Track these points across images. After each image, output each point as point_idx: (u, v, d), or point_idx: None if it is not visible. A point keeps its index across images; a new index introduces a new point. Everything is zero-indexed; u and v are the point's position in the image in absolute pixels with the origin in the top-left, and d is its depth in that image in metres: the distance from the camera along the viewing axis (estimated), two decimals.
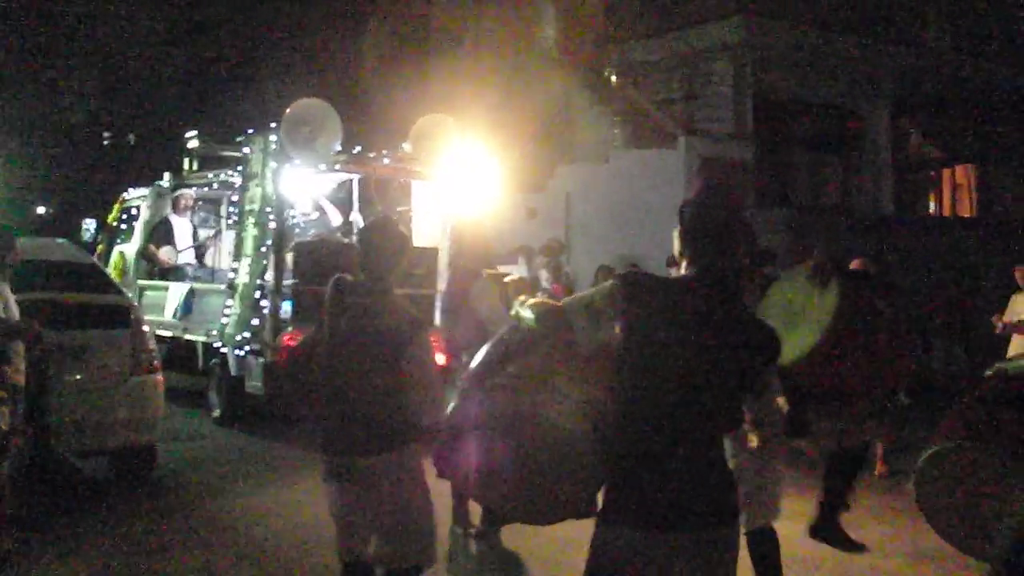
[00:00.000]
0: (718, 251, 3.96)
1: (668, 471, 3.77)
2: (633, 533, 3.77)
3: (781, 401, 4.54)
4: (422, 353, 5.34)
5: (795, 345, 5.97)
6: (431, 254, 13.81)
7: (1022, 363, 9.44)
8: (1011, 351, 11.38)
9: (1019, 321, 11.26)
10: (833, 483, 7.86)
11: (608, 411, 3.84)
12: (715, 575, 3.85)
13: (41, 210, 36.04)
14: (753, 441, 5.61)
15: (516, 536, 7.88)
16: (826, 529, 7.82)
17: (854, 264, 11.25)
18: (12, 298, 7.84)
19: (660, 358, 3.81)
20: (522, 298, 4.22)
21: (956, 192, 26.29)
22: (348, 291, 5.46)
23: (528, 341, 4.06)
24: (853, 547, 7.84)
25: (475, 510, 8.19)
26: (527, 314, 4.04)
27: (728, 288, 3.99)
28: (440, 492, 5.22)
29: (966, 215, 25.57)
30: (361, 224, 14.48)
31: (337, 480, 5.47)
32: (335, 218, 15.09)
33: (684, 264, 4.06)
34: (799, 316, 6.24)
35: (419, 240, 14.45)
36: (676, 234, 4.16)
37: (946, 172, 26.32)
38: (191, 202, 16.56)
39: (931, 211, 26.07)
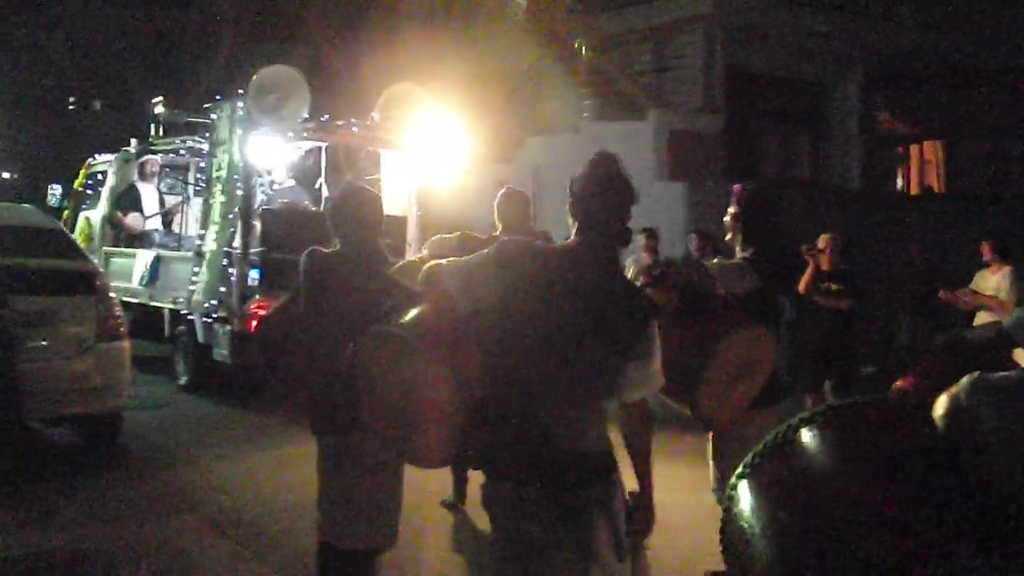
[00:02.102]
0: (603, 221, 4.09)
1: (545, 432, 3.91)
2: (515, 488, 3.96)
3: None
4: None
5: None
6: (400, 223, 13.79)
7: (972, 330, 9.47)
8: (976, 324, 11.40)
9: (978, 294, 11.27)
10: None
11: (477, 373, 3.95)
12: (595, 526, 3.95)
13: (6, 175, 35.73)
14: None
15: None
16: None
17: (821, 240, 11.30)
18: None
19: (536, 324, 3.92)
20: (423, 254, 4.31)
21: (924, 168, 26.42)
22: (325, 265, 5.32)
23: (412, 298, 4.24)
24: None
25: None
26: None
27: (608, 256, 4.14)
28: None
29: (934, 190, 25.70)
30: (328, 192, 14.46)
31: (330, 456, 5.34)
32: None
33: (572, 233, 4.15)
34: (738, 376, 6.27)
35: (388, 209, 14.39)
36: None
37: (914, 148, 26.44)
38: (157, 168, 16.46)
39: (899, 187, 26.19)
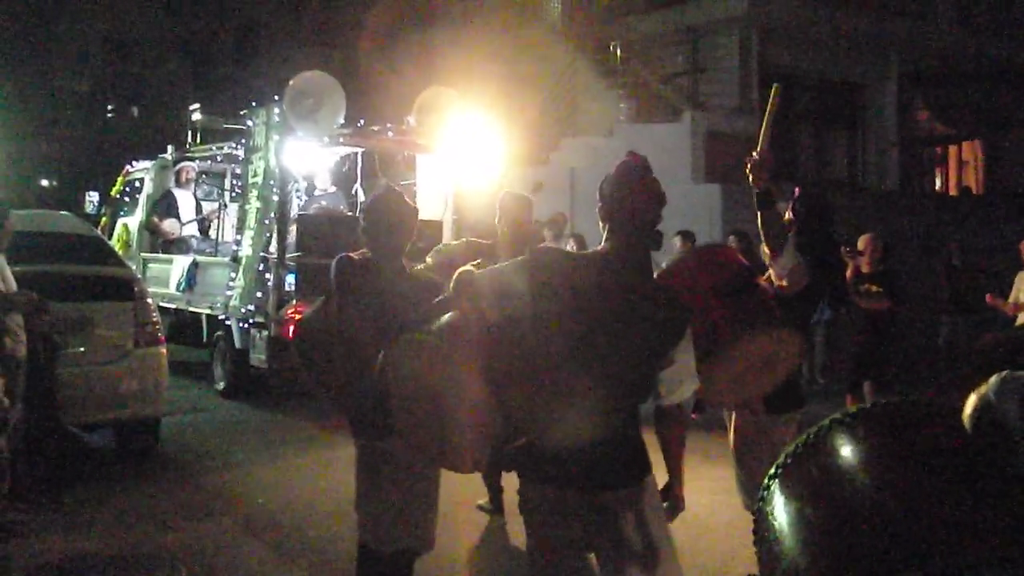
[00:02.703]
0: (634, 226, 4.08)
1: (579, 437, 3.89)
2: (547, 490, 4.00)
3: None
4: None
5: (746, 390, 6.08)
6: (435, 227, 13.79)
7: (1010, 331, 9.40)
8: (1020, 323, 11.29)
9: (1020, 305, 11.18)
10: None
11: (507, 378, 3.91)
12: (629, 527, 3.97)
13: (44, 183, 36.02)
14: None
15: None
16: None
17: (861, 242, 11.23)
18: (8, 271, 7.81)
19: (570, 330, 3.89)
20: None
21: (962, 167, 26.23)
22: (356, 271, 5.30)
23: (444, 304, 4.20)
24: None
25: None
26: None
27: (641, 262, 4.13)
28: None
29: (972, 191, 25.51)
30: (363, 197, 14.49)
31: (370, 464, 5.35)
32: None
33: (603, 238, 4.13)
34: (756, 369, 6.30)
35: (423, 213, 14.41)
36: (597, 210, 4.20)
37: (952, 148, 26.25)
38: (193, 174, 16.55)
39: (937, 187, 26.01)
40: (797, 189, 6.11)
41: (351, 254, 5.40)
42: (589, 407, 3.91)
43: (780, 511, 2.96)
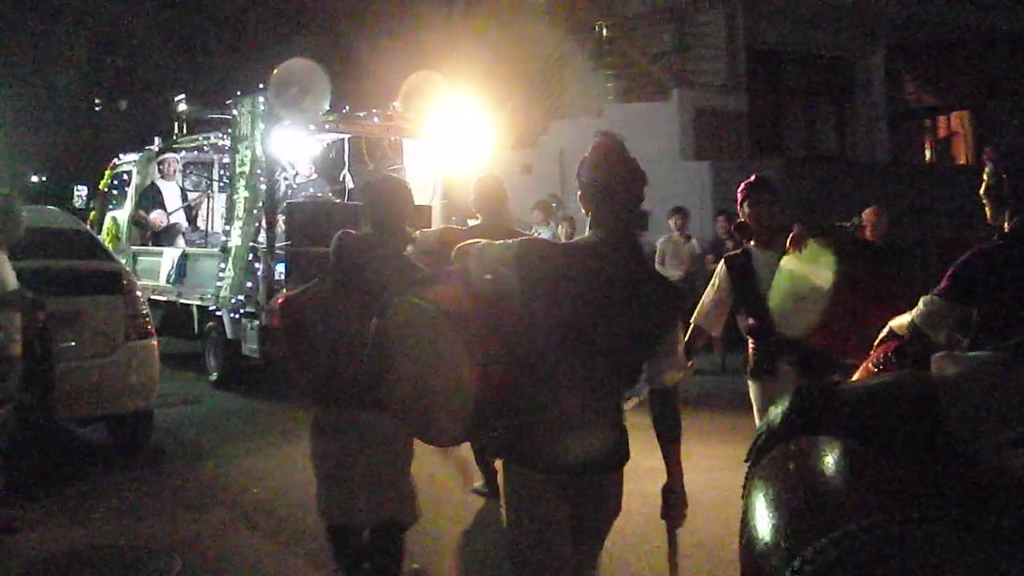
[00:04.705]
0: (617, 209, 4.01)
1: (567, 422, 3.92)
2: (537, 474, 3.98)
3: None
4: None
5: (803, 320, 6.26)
6: (423, 212, 13.77)
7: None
8: None
9: None
10: None
11: (497, 356, 3.94)
12: (606, 510, 4.10)
13: (35, 178, 35.96)
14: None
15: None
16: None
17: (868, 213, 11.16)
18: (10, 267, 7.79)
19: (559, 319, 3.88)
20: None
21: (952, 139, 26.21)
22: (355, 247, 5.55)
23: (443, 275, 4.27)
24: None
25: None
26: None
27: (629, 245, 4.06)
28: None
29: (961, 162, 25.49)
30: (351, 184, 14.49)
31: (330, 434, 5.62)
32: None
33: (587, 225, 4.08)
34: (805, 290, 6.38)
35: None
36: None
37: (942, 119, 26.23)
38: (177, 165, 16.54)
39: (927, 159, 26.00)
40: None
41: (351, 231, 5.69)
42: (581, 394, 3.93)
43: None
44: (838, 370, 6.28)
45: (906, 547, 2.47)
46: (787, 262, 6.55)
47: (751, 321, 6.82)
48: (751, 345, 6.89)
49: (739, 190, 6.94)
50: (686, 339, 4.60)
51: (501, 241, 4.14)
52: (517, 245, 4.03)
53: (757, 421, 6.50)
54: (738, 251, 7.13)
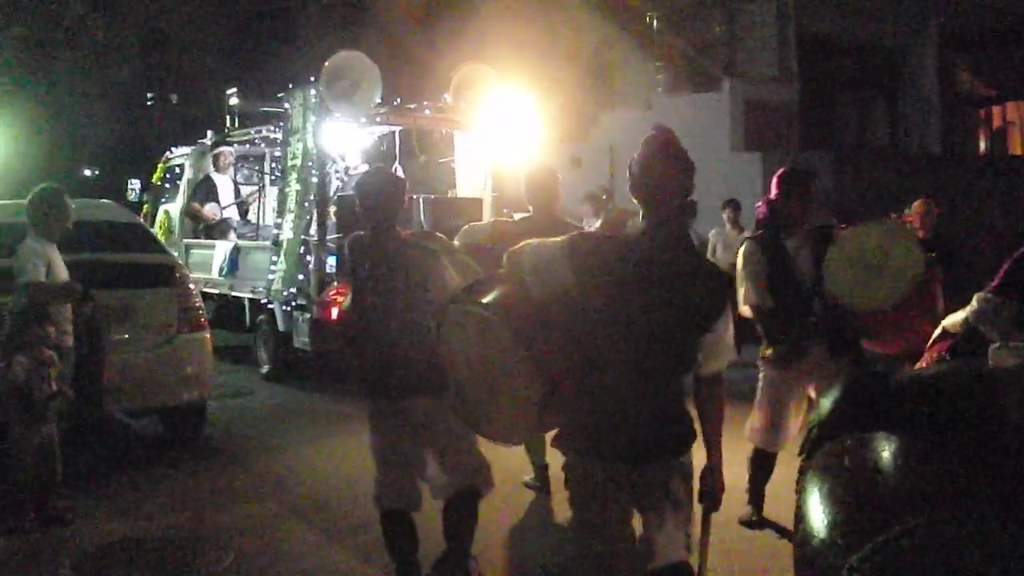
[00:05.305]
0: (666, 200, 4.12)
1: (624, 411, 4.05)
2: (594, 464, 4.15)
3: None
4: (441, 278, 5.59)
5: (875, 295, 6.45)
6: (474, 204, 13.79)
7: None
8: None
9: None
10: None
11: (555, 354, 4.04)
12: (667, 498, 4.14)
13: (88, 172, 36.23)
14: None
15: None
16: None
17: (916, 206, 11.08)
18: (61, 260, 7.85)
19: (613, 310, 4.03)
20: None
21: (1007, 129, 25.90)
22: (364, 245, 5.79)
23: (496, 279, 4.42)
24: None
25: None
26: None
27: (679, 235, 4.23)
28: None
29: (1017, 153, 25.19)
30: (402, 175, 14.51)
31: (386, 422, 5.86)
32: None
33: (640, 216, 4.20)
34: (876, 268, 6.46)
35: (462, 191, 14.43)
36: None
37: (996, 109, 25.92)
38: (231, 159, 16.60)
39: (981, 150, 25.70)
40: None
41: (360, 233, 5.88)
42: (634, 383, 4.05)
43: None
44: (864, 358, 6.40)
45: (963, 545, 2.44)
46: (853, 241, 6.65)
47: (771, 304, 6.87)
48: (768, 330, 6.93)
49: (785, 180, 6.97)
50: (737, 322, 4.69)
51: (551, 240, 4.26)
52: (568, 242, 4.15)
53: (768, 411, 6.65)
54: (760, 233, 7.20)
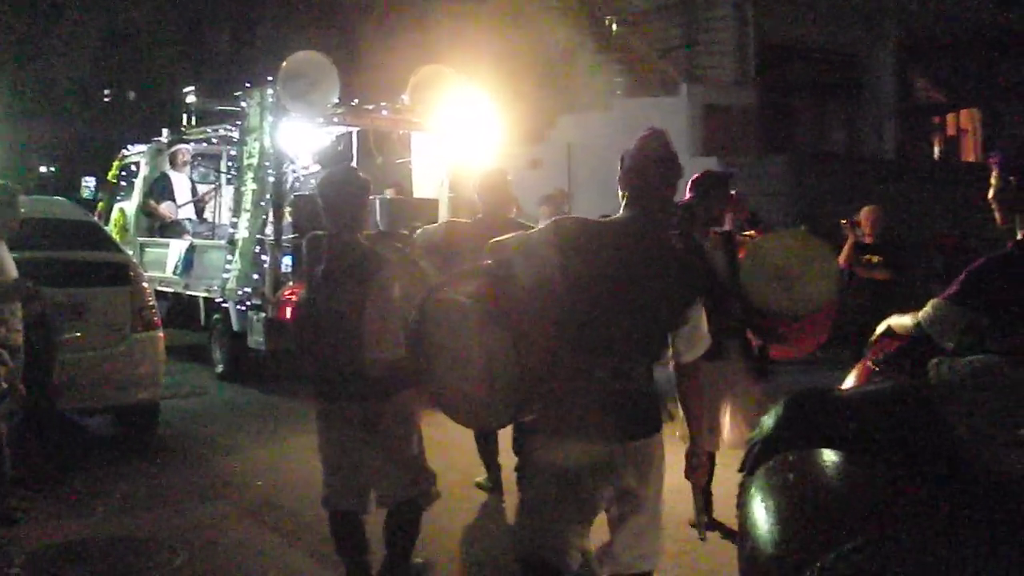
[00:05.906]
0: (651, 195, 4.30)
1: (600, 392, 4.17)
2: (571, 443, 4.20)
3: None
4: (382, 286, 5.57)
5: (802, 299, 6.59)
6: (431, 206, 13.77)
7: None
8: None
9: None
10: None
11: (533, 337, 4.16)
12: (641, 477, 4.25)
13: (43, 169, 35.97)
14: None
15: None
16: None
17: (864, 212, 11.24)
18: (10, 258, 7.78)
19: (596, 291, 4.16)
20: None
21: (960, 137, 26.15)
22: (321, 245, 5.75)
23: (473, 271, 4.59)
24: None
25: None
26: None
27: (660, 227, 4.43)
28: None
29: (969, 160, 25.42)
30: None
31: (333, 424, 5.82)
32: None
33: (621, 205, 4.35)
34: (797, 277, 6.60)
35: (419, 192, 14.42)
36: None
37: (950, 116, 26.16)
38: (188, 157, 16.54)
39: (935, 156, 25.93)
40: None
41: (318, 232, 5.84)
42: (613, 363, 4.19)
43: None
44: (766, 360, 6.61)
45: (917, 557, 2.47)
46: (765, 243, 6.83)
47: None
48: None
49: (702, 183, 7.05)
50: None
51: (533, 231, 4.47)
52: (553, 223, 4.33)
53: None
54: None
